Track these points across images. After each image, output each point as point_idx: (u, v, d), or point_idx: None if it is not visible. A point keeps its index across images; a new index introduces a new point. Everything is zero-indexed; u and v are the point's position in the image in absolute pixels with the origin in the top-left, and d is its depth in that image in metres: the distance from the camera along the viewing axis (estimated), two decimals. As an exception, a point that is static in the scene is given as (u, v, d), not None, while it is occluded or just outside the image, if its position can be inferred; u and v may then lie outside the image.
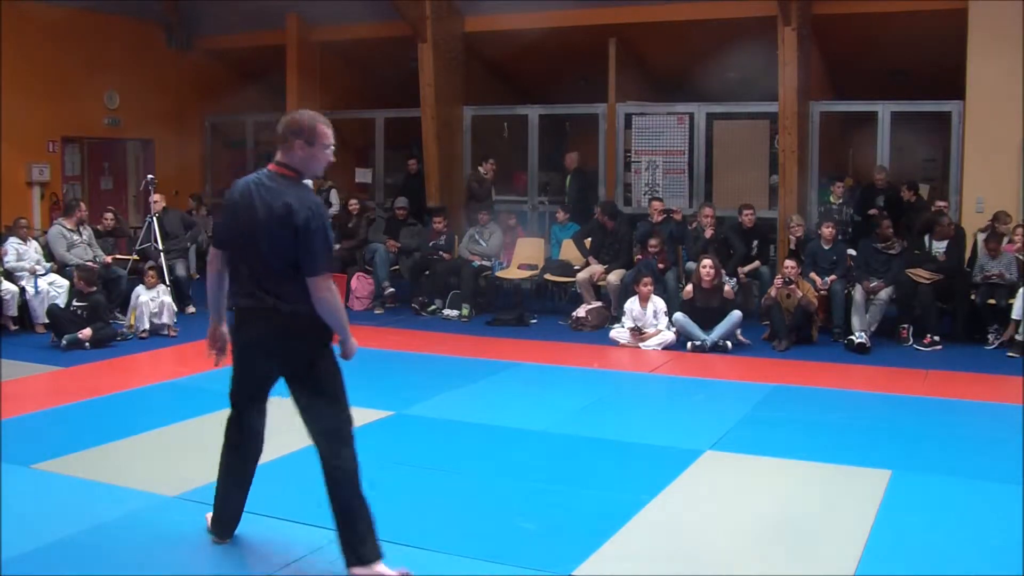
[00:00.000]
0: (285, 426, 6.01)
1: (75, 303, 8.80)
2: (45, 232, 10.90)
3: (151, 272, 9.39)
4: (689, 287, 9.07)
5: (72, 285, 9.13)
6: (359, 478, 3.72)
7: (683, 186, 12.16)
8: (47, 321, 8.94)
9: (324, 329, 3.71)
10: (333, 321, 3.69)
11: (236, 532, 4.15)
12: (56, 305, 8.87)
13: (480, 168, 12.34)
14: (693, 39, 11.65)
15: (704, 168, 12.02)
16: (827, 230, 9.51)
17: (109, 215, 10.93)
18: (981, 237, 9.45)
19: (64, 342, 8.41)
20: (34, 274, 9.43)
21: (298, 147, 3.72)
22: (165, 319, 9.26)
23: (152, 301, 9.19)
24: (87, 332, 8.50)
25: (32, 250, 9.74)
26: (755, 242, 10.32)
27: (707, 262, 8.94)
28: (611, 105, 12.39)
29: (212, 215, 14.46)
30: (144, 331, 9.06)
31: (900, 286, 9.06)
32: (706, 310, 8.86)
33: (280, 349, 3.74)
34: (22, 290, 9.29)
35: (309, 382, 3.75)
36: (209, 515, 4.13)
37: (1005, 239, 9.22)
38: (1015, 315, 8.44)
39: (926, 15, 10.33)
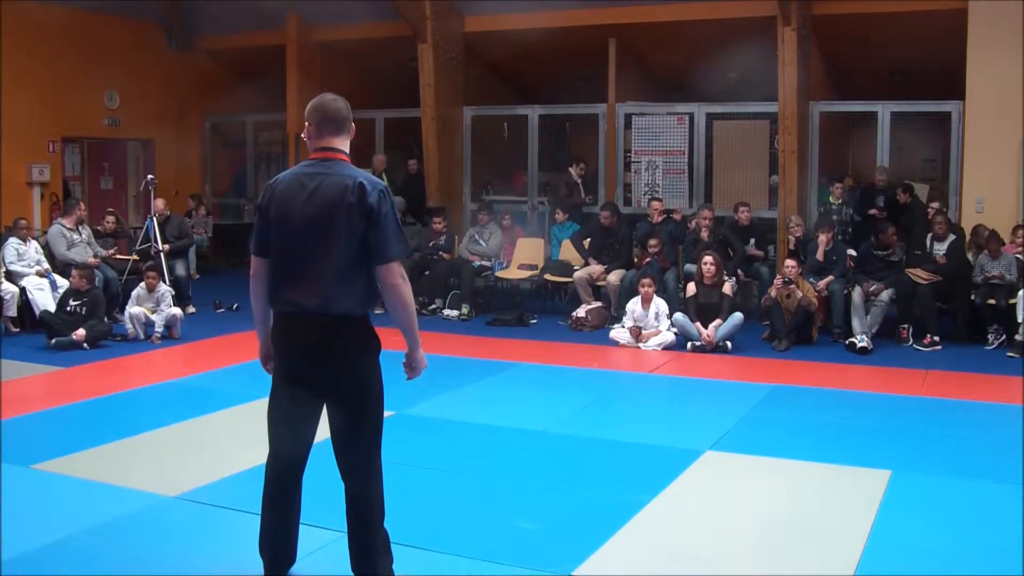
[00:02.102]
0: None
1: (72, 301, 8.79)
2: (45, 232, 10.90)
3: (151, 274, 9.32)
4: (692, 284, 9.07)
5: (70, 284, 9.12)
6: (383, 515, 3.51)
7: (683, 186, 12.16)
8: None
9: (374, 339, 3.41)
10: (403, 317, 3.34)
11: (236, 533, 4.15)
12: (47, 311, 8.83)
13: (571, 169, 12.01)
14: (693, 39, 11.65)
15: (704, 168, 12.02)
16: (823, 236, 9.46)
17: (111, 217, 10.93)
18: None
19: (54, 342, 8.39)
20: (42, 275, 9.45)
21: (351, 132, 3.47)
22: (176, 331, 9.21)
23: (152, 303, 9.13)
24: (80, 333, 8.46)
25: (32, 250, 9.75)
26: (752, 240, 10.31)
27: (708, 259, 8.95)
28: (611, 105, 12.40)
29: (211, 215, 14.50)
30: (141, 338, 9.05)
31: (900, 286, 9.06)
32: (707, 306, 8.87)
33: (323, 360, 3.34)
34: (22, 290, 9.29)
35: (346, 401, 3.40)
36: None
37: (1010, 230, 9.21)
38: (1020, 318, 8.43)
39: (926, 15, 10.33)
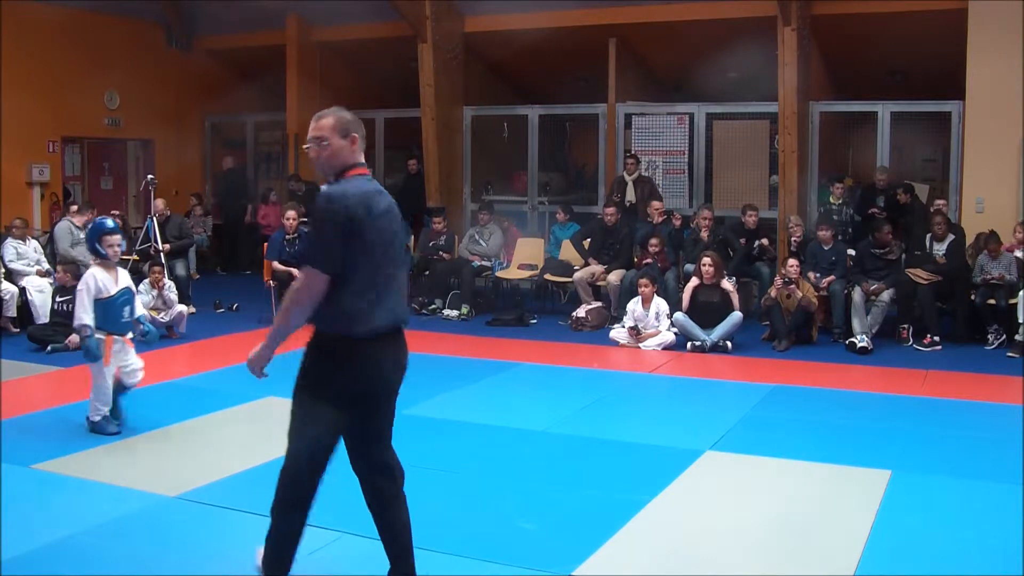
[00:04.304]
0: (286, 428, 6.00)
1: (59, 298, 8.78)
2: (46, 232, 10.90)
3: (156, 268, 9.36)
4: (693, 281, 9.05)
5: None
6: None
7: (683, 186, 12.16)
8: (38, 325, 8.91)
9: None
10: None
11: (236, 533, 4.15)
12: (35, 328, 8.75)
13: (624, 175, 11.56)
14: (693, 39, 11.65)
15: (704, 168, 12.02)
16: (824, 233, 9.50)
17: (117, 220, 10.95)
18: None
19: (49, 349, 8.37)
20: (43, 275, 9.44)
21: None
22: (182, 327, 9.27)
23: (160, 301, 9.15)
24: (74, 339, 8.41)
25: (31, 249, 9.75)
26: (756, 243, 10.31)
27: (707, 259, 8.95)
28: (611, 105, 12.39)
29: (210, 215, 14.49)
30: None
31: (900, 286, 9.07)
32: (707, 306, 8.87)
33: (399, 374, 3.48)
34: (22, 290, 9.29)
35: (390, 411, 3.55)
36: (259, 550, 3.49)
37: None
38: (1021, 318, 8.43)
39: (926, 15, 10.34)
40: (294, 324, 3.30)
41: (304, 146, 3.47)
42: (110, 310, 5.80)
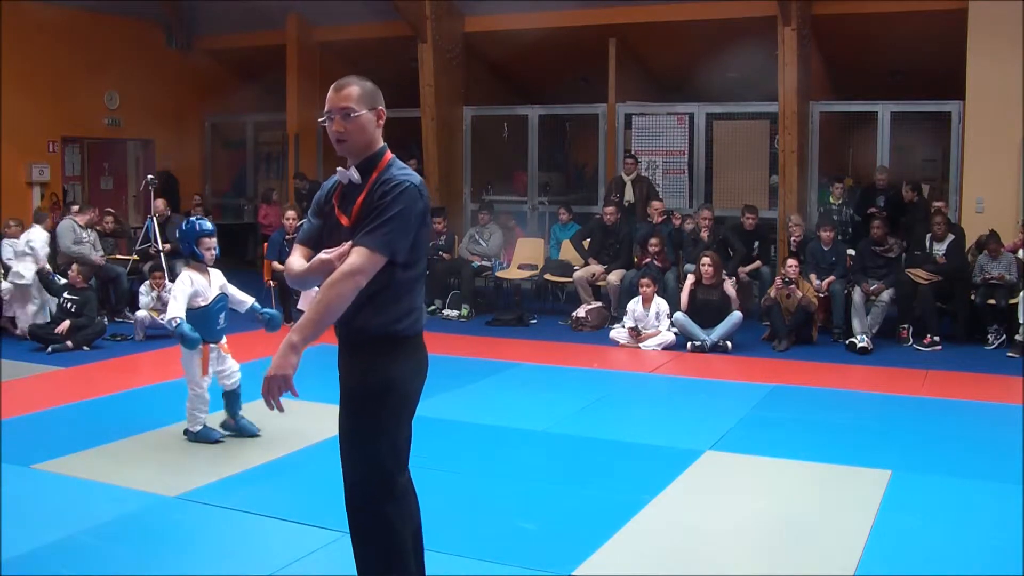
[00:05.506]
0: (286, 428, 6.01)
1: (66, 295, 8.79)
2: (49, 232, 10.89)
3: (157, 274, 9.35)
4: (691, 278, 9.05)
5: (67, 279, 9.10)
6: None
7: (683, 186, 12.16)
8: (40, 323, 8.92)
9: None
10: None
11: (236, 533, 4.15)
12: (36, 325, 8.75)
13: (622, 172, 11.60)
14: (693, 39, 11.65)
15: (704, 168, 12.02)
16: (825, 234, 9.50)
17: (109, 218, 10.98)
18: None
19: (49, 350, 8.37)
20: (47, 274, 9.45)
21: None
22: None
23: (161, 305, 9.15)
24: (64, 326, 8.42)
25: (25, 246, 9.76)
26: (756, 243, 10.30)
27: (707, 259, 8.95)
28: (611, 105, 12.39)
29: (211, 215, 14.48)
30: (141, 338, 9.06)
31: (900, 286, 9.07)
32: (707, 306, 8.87)
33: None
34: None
35: None
36: None
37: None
38: (1022, 319, 8.43)
39: (926, 15, 10.34)
40: (336, 315, 2.84)
41: (320, 120, 3.08)
42: (206, 317, 5.63)
